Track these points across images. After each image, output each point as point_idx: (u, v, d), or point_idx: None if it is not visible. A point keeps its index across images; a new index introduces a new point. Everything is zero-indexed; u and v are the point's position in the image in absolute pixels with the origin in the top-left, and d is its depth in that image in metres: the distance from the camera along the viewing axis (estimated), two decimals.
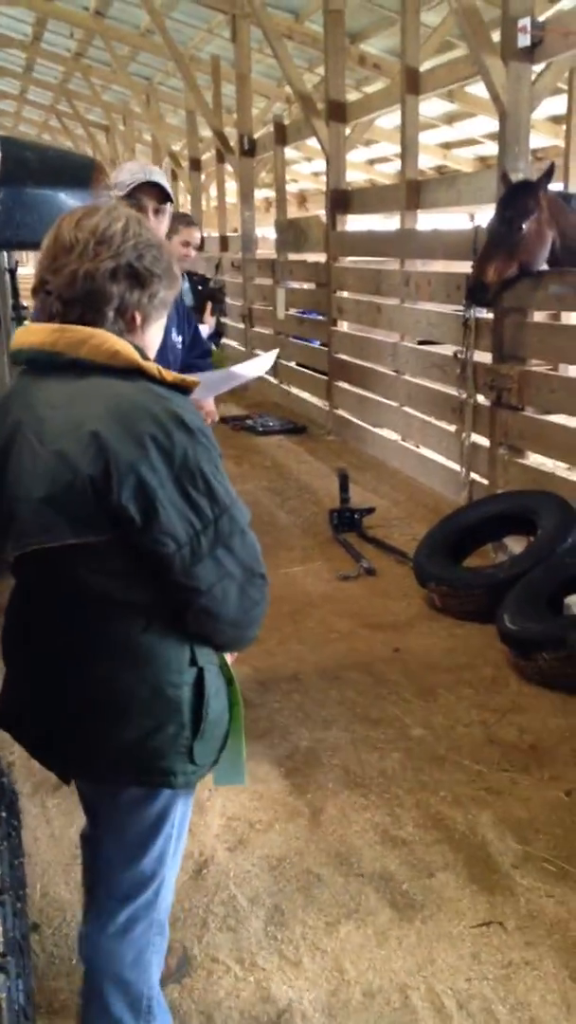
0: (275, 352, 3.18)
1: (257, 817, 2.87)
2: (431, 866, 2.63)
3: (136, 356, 1.57)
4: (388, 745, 3.29)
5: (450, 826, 2.82)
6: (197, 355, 3.48)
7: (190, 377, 1.66)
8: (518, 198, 4.55)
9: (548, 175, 4.57)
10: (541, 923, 2.41)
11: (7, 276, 5.18)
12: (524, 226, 4.49)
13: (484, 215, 6.82)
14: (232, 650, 1.77)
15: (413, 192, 6.66)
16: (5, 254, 5.05)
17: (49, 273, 1.59)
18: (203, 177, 13.64)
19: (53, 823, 2.82)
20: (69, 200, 2.60)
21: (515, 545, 4.66)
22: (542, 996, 2.18)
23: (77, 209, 1.66)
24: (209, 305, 4.85)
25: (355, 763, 3.18)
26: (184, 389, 1.62)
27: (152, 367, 1.58)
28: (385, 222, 10.30)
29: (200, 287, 4.94)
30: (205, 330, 4.69)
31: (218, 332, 5.11)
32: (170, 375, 1.60)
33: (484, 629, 4.19)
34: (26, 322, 1.76)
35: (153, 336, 1.70)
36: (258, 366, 3.26)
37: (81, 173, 2.35)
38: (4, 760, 2.73)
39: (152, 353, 1.71)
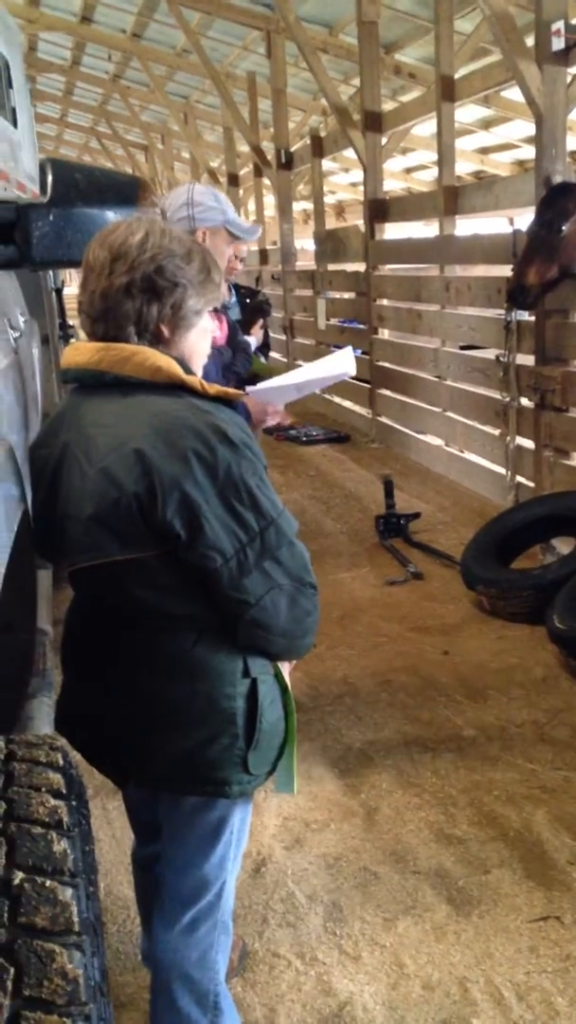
0: (349, 349, 3.04)
1: (312, 817, 2.92)
2: (486, 863, 2.65)
3: (178, 371, 1.59)
4: (440, 746, 3.32)
5: (504, 824, 2.83)
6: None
7: (233, 390, 1.67)
8: (557, 200, 4.56)
9: None
10: None
11: (54, 295, 5.32)
12: (564, 228, 4.50)
13: (523, 219, 6.84)
14: (287, 659, 1.77)
15: (451, 198, 6.70)
16: (51, 273, 5.19)
17: (81, 293, 1.63)
18: (241, 192, 13.80)
19: (114, 824, 2.89)
20: (116, 218, 2.68)
21: (563, 546, 4.65)
22: None
23: (107, 226, 1.68)
24: (259, 320, 4.92)
25: (408, 764, 3.21)
26: (228, 402, 1.64)
27: (195, 381, 1.60)
28: (424, 229, 10.34)
29: (248, 300, 5.02)
30: (253, 342, 4.76)
31: (266, 344, 5.18)
32: (213, 388, 1.62)
33: (534, 630, 4.19)
34: (73, 340, 1.80)
35: (194, 345, 1.70)
36: (335, 365, 3.00)
37: (127, 191, 2.42)
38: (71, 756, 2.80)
39: (198, 363, 1.72)
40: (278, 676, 1.76)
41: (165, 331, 1.64)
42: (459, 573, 4.71)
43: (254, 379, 4.93)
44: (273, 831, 2.85)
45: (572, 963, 2.27)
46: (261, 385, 2.83)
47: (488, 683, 3.78)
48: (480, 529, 4.85)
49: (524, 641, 4.13)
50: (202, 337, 1.73)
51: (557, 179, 4.93)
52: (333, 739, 3.41)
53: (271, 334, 12.09)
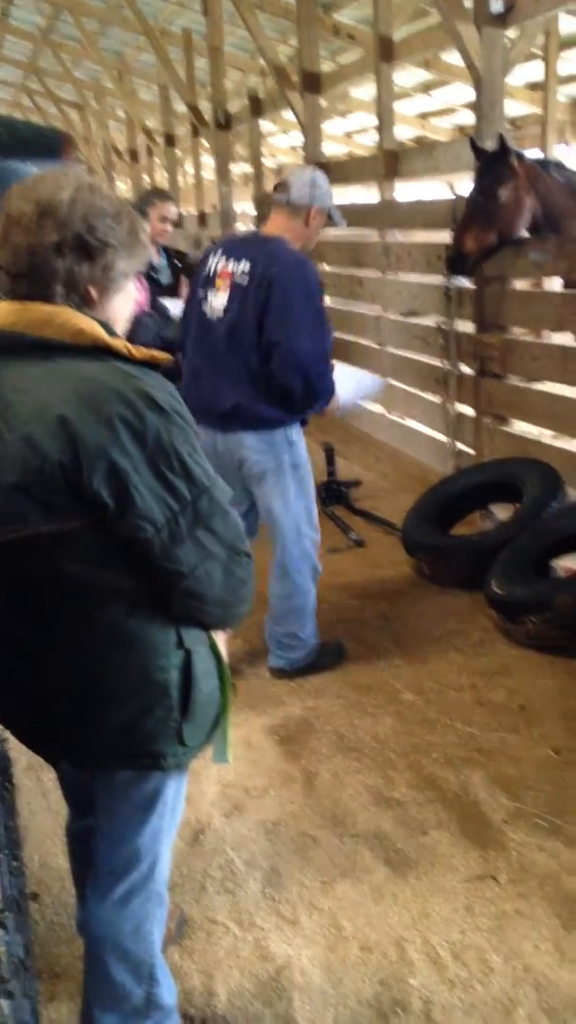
0: (378, 380, 3.72)
1: (252, 784, 2.91)
2: (424, 825, 2.68)
3: (101, 333, 1.52)
4: (380, 710, 3.34)
5: (442, 786, 2.86)
6: None
7: (160, 353, 1.60)
8: (494, 166, 4.54)
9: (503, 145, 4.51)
10: (533, 875, 2.46)
11: None
12: (501, 194, 4.49)
13: (463, 184, 6.82)
14: (222, 628, 1.75)
15: (391, 162, 6.65)
16: None
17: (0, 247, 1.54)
18: (179, 153, 13.53)
19: (49, 796, 2.85)
20: (39, 171, 2.61)
21: (501, 512, 4.70)
22: (535, 945, 2.23)
23: (29, 178, 1.59)
24: (185, 281, 4.80)
25: (348, 728, 3.22)
26: (155, 365, 1.58)
27: (120, 344, 1.54)
28: (364, 194, 10.26)
29: (178, 263, 4.91)
30: (181, 306, 4.66)
31: None
32: (140, 352, 1.55)
33: (472, 596, 4.23)
34: None
35: (119, 308, 1.64)
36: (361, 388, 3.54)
37: (51, 144, 2.35)
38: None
39: (121, 327, 1.66)
40: (213, 646, 1.73)
41: (93, 293, 1.57)
42: (400, 540, 4.73)
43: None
44: (212, 798, 2.84)
45: (506, 921, 2.31)
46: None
47: (427, 647, 3.81)
48: (421, 496, 4.87)
49: (463, 606, 4.17)
50: (127, 300, 1.67)
51: (492, 144, 4.90)
52: (274, 705, 3.40)
53: None
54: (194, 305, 3.42)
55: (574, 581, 3.58)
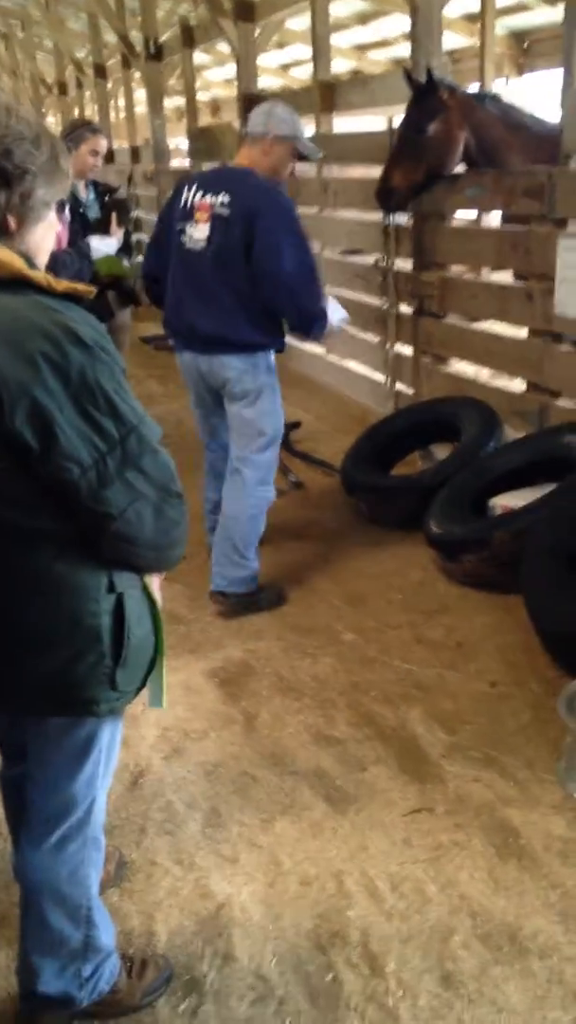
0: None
1: (192, 727, 2.91)
2: (363, 761, 2.71)
3: (21, 265, 1.45)
4: (320, 651, 3.35)
5: (381, 723, 2.89)
6: None
7: (83, 286, 1.53)
8: (424, 99, 4.45)
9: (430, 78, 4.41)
10: (469, 806, 2.50)
11: None
12: (429, 128, 4.40)
13: (401, 117, 6.70)
14: (156, 571, 1.71)
15: (327, 94, 6.48)
16: None
17: None
18: (110, 85, 13.05)
19: None
20: None
21: (440, 452, 4.70)
22: (470, 874, 2.28)
23: None
24: (115, 216, 4.64)
25: (287, 670, 3.23)
26: (78, 299, 1.51)
27: (40, 276, 1.46)
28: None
29: (106, 197, 4.74)
30: (113, 243, 4.52)
31: (127, 245, 4.90)
32: (61, 284, 1.48)
33: (411, 535, 4.24)
34: None
35: (40, 240, 1.57)
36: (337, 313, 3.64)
37: None
38: None
39: (42, 259, 1.58)
40: (145, 590, 1.69)
41: (12, 222, 1.49)
42: (339, 481, 4.71)
43: (117, 282, 4.72)
44: (152, 742, 2.83)
45: (443, 852, 2.35)
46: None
47: (367, 588, 3.83)
48: (360, 436, 4.84)
49: (403, 546, 4.19)
50: (48, 232, 1.59)
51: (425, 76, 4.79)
52: (213, 648, 3.39)
53: (147, 239, 11.66)
54: (171, 238, 3.53)
55: (511, 518, 3.61)
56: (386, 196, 4.56)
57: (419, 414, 4.85)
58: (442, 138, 4.44)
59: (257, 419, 3.58)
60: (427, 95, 4.38)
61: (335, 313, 3.63)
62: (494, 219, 5.93)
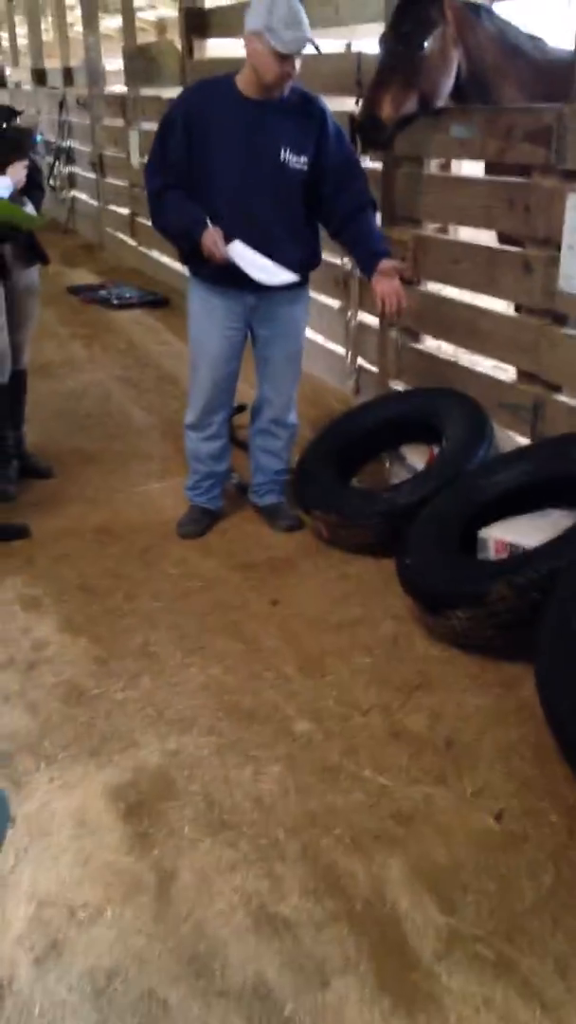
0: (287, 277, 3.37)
1: (81, 897, 2.05)
2: (325, 968, 1.88)
3: None
4: (264, 752, 2.51)
5: (348, 888, 2.07)
6: None
7: None
8: (416, 7, 3.48)
9: None
10: None
11: None
12: (426, 44, 3.45)
13: (365, 40, 5.67)
14: None
15: None
16: None
17: None
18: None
19: None
20: None
21: (413, 455, 3.84)
22: None
23: None
24: (18, 158, 3.61)
25: (221, 786, 2.39)
26: None
27: None
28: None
29: (2, 125, 3.68)
30: (6, 184, 3.51)
31: (36, 185, 3.84)
32: None
33: (381, 566, 3.42)
34: None
35: None
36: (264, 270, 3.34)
37: None
38: None
39: None
40: None
41: None
42: (291, 486, 3.85)
43: (11, 233, 3.72)
44: (20, 930, 1.97)
45: None
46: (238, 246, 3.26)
47: (327, 646, 2.99)
48: (316, 436, 3.96)
49: (370, 582, 3.36)
50: None
51: None
52: (122, 748, 2.53)
53: (79, 172, 10.44)
54: None
55: (515, 566, 2.77)
56: (373, 129, 3.61)
57: (389, 408, 3.98)
58: (439, 59, 3.50)
59: None
60: (422, 3, 3.42)
61: (241, 259, 3.27)
62: (469, 169, 4.95)
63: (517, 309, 4.16)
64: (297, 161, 3.30)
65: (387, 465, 3.99)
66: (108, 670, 2.88)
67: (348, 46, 8.52)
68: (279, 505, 3.82)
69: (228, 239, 3.26)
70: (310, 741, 2.56)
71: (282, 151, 3.26)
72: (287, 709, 2.69)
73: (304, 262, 3.49)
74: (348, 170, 3.44)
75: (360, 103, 3.96)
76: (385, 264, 3.51)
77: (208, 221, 3.24)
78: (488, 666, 2.84)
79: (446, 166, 5.03)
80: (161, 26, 14.40)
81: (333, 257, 4.92)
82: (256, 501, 3.88)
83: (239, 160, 3.24)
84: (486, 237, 4.47)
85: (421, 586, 2.94)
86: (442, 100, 3.74)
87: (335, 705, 2.70)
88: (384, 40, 3.65)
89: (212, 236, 3.24)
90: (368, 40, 5.48)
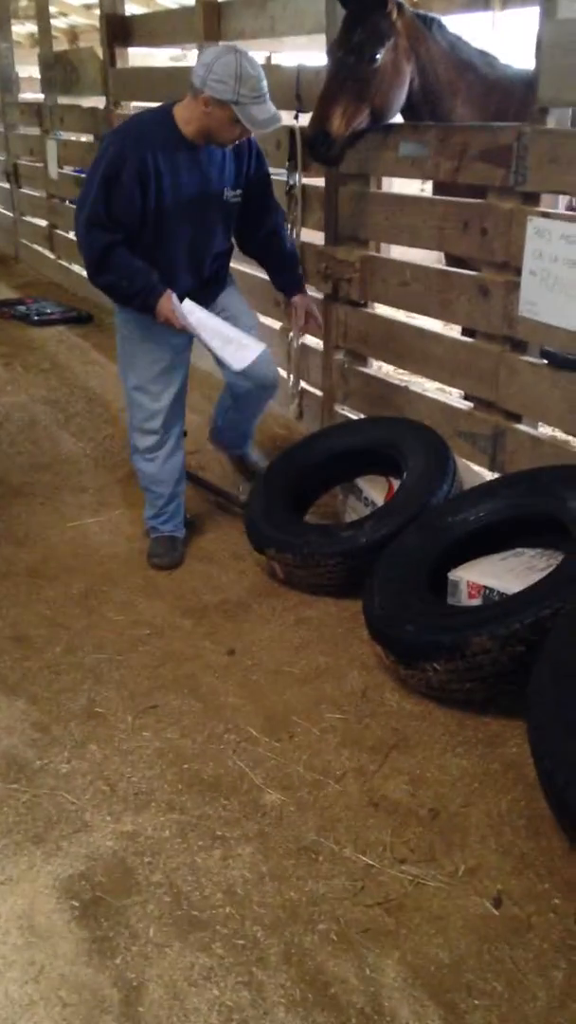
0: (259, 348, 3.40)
1: (35, 1022, 1.77)
2: None
3: None
4: (233, 830, 2.26)
5: (340, 998, 1.83)
6: None
7: None
8: (370, 17, 3.30)
9: None
10: None
11: None
12: (379, 56, 3.27)
13: (294, 55, 5.50)
14: None
15: (212, 17, 5.21)
16: None
17: None
18: None
19: None
20: None
21: (370, 487, 3.65)
22: None
23: None
24: None
25: (187, 874, 2.13)
26: None
27: None
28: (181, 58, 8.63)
29: None
30: None
31: None
32: None
33: (342, 607, 3.22)
34: None
35: None
36: (238, 349, 3.35)
37: None
38: None
39: None
40: None
41: None
42: (240, 518, 3.61)
43: None
44: None
45: None
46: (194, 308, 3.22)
47: (291, 702, 2.76)
48: (267, 468, 3.73)
49: (332, 626, 3.13)
50: None
51: None
52: (72, 831, 2.25)
53: None
54: None
55: (495, 614, 2.58)
56: (323, 145, 3.42)
57: (343, 438, 3.76)
58: (391, 72, 3.33)
59: None
60: (375, 10, 3.24)
61: (203, 329, 3.26)
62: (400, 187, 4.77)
63: (464, 333, 4.03)
64: (234, 195, 3.34)
65: (341, 498, 3.79)
66: (50, 737, 2.59)
67: (268, 58, 8.33)
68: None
69: (180, 296, 3.22)
70: (282, 815, 2.31)
71: (226, 191, 3.30)
72: (254, 777, 2.44)
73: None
74: (267, 186, 3.50)
75: (302, 117, 3.77)
76: (303, 299, 3.73)
77: (162, 286, 3.17)
78: (467, 721, 2.64)
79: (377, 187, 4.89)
80: (73, 34, 14.04)
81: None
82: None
83: (193, 208, 3.20)
84: (422, 256, 4.32)
85: (392, 636, 2.72)
86: (394, 115, 3.58)
87: (305, 771, 2.46)
88: (333, 51, 3.47)
89: (169, 303, 3.17)
90: (306, 53, 5.33)
